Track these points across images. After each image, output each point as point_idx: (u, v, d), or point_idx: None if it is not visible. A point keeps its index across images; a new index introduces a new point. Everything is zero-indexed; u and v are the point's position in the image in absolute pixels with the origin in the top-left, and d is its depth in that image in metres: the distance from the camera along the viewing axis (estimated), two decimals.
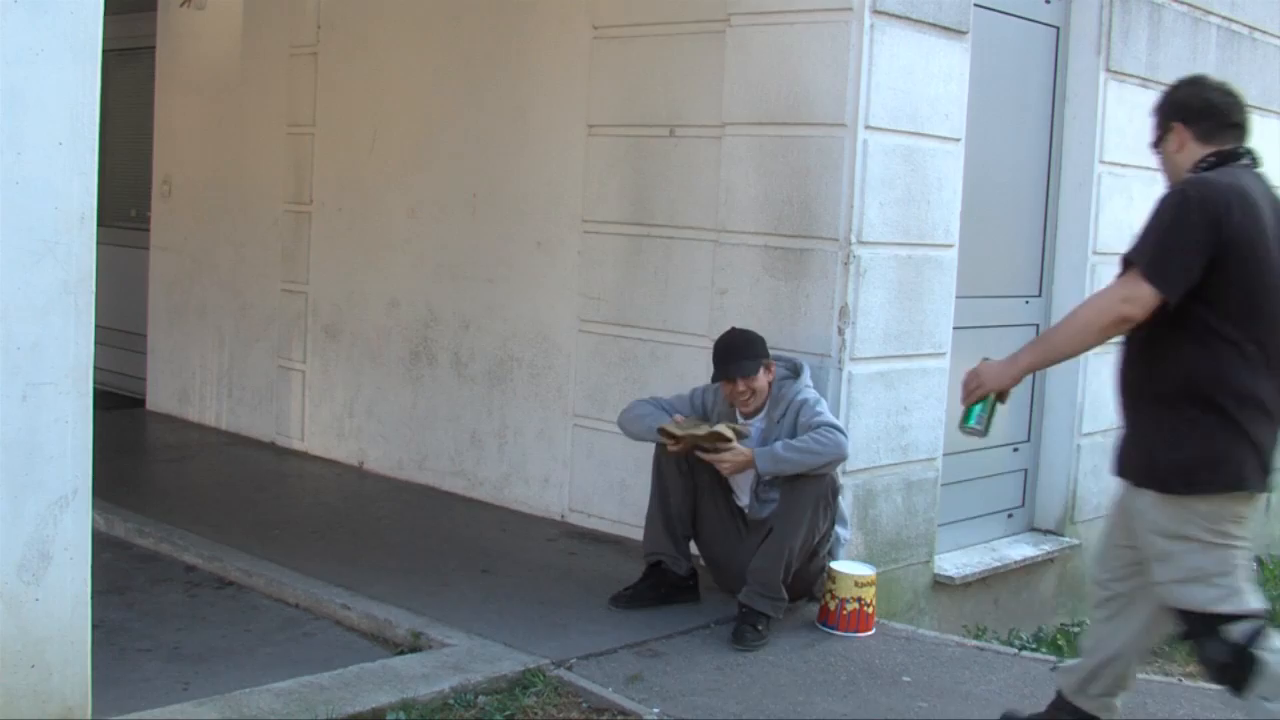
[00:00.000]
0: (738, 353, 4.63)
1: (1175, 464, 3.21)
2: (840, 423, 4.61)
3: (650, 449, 4.83)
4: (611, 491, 5.77)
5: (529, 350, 6.14)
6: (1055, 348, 3.44)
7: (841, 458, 4.53)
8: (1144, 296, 3.16)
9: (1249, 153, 3.38)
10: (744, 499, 4.75)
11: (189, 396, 8.06)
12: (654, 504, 4.78)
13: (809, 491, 4.48)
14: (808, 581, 4.71)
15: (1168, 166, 3.47)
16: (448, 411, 6.52)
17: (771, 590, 4.49)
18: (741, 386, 4.61)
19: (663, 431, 4.61)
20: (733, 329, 4.76)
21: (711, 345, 4.76)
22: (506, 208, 6.24)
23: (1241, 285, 3.18)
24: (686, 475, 4.70)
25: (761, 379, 4.63)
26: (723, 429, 4.52)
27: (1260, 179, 3.35)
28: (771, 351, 4.70)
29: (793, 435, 4.52)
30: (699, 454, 4.61)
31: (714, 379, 4.70)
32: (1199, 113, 3.39)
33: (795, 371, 4.73)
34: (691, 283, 5.44)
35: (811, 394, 4.64)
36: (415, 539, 5.72)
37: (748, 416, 4.69)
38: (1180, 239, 3.16)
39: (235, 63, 7.68)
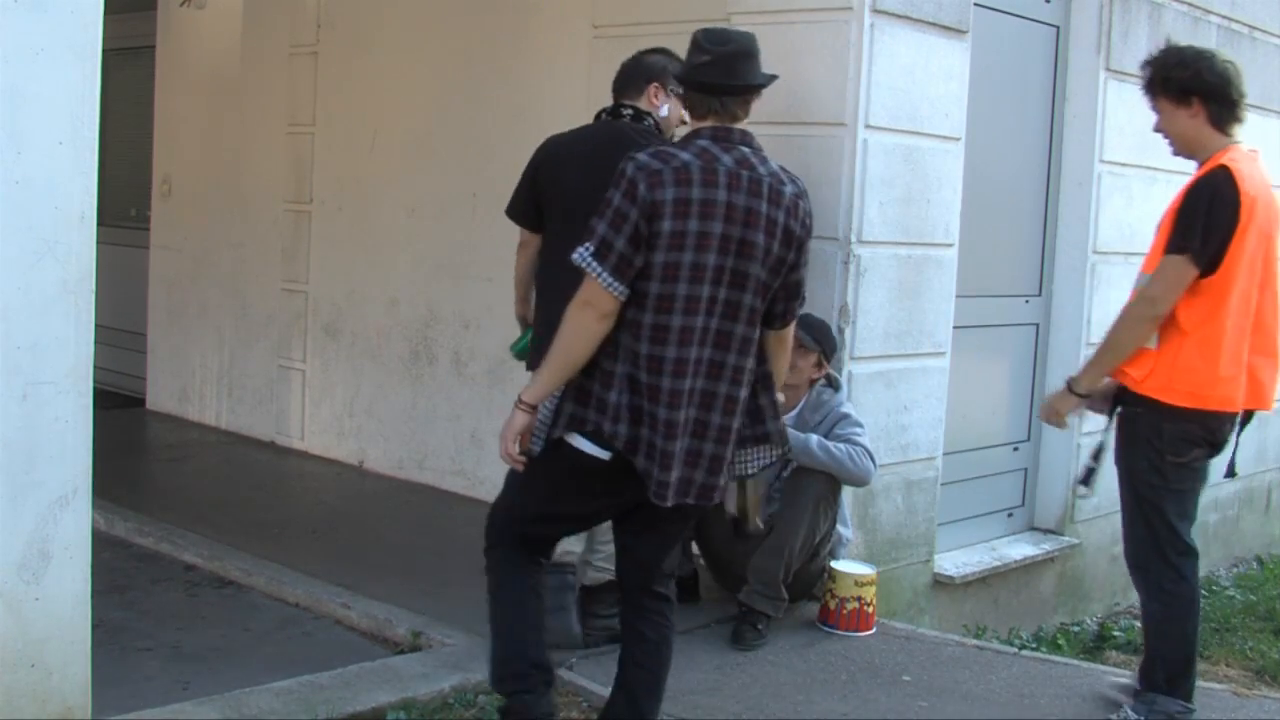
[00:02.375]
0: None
1: None
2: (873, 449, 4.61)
3: None
4: None
5: None
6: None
7: (864, 483, 4.62)
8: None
9: (613, 109, 4.20)
10: None
11: (189, 396, 8.06)
12: None
13: (811, 491, 4.47)
14: (808, 582, 4.70)
15: None
16: (448, 411, 6.51)
17: (772, 590, 4.48)
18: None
19: None
20: None
21: None
22: None
23: (552, 215, 4.00)
24: None
25: (805, 362, 4.56)
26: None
27: (608, 126, 4.13)
28: None
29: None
30: None
31: None
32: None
33: (834, 385, 4.71)
34: None
35: (854, 412, 4.64)
36: (415, 539, 5.72)
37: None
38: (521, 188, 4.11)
39: (235, 63, 7.68)
